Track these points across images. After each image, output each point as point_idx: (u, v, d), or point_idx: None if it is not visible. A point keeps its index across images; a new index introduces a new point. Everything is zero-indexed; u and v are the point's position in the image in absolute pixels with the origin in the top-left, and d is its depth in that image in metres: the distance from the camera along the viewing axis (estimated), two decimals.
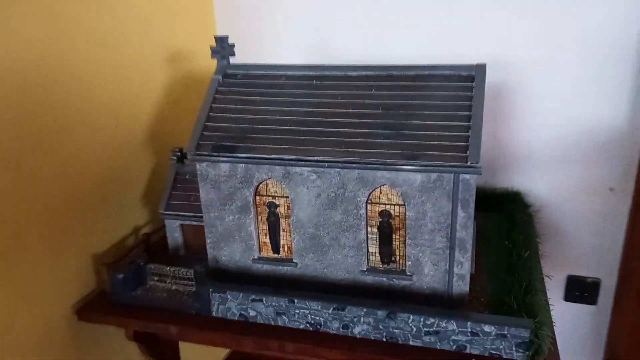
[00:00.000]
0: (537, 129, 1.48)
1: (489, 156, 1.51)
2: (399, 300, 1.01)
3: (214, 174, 1.06)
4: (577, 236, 1.54)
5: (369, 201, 1.01)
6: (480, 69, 1.01)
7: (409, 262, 1.01)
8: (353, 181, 0.99)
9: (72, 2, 1.09)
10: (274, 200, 1.06)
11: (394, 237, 1.02)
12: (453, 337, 0.94)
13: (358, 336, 0.99)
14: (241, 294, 1.03)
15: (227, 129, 1.06)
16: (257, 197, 1.07)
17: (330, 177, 1.00)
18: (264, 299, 1.02)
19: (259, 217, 1.09)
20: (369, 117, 1.01)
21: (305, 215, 1.04)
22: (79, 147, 1.13)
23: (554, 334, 0.96)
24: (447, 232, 0.98)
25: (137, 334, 1.15)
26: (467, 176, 0.93)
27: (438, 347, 0.95)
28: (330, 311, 0.99)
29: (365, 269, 1.04)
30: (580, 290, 1.58)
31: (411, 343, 0.97)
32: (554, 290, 1.57)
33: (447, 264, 0.99)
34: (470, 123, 0.95)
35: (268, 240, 1.10)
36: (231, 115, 1.07)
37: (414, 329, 0.95)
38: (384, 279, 1.04)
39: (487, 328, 0.91)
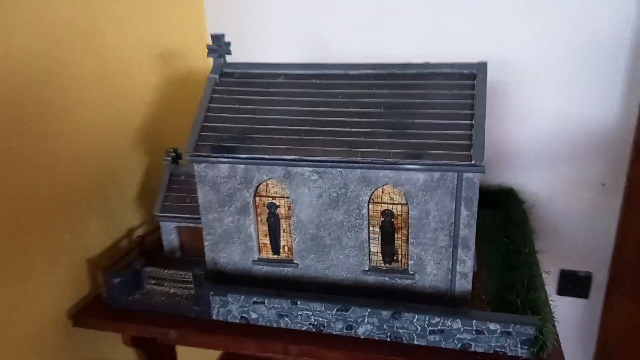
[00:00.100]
0: (529, 126, 1.49)
1: None
2: (401, 299, 1.01)
3: (213, 175, 1.04)
4: (570, 231, 1.56)
5: (371, 201, 1.00)
6: (482, 67, 1.01)
7: (412, 261, 1.01)
8: (355, 181, 0.98)
9: (61, 1, 1.05)
10: (274, 201, 1.05)
11: (396, 236, 1.02)
12: (458, 336, 0.94)
13: (362, 337, 0.99)
14: (242, 297, 1.02)
15: (226, 129, 1.04)
16: (257, 198, 1.05)
17: (332, 177, 0.99)
18: (266, 301, 1.01)
19: (259, 218, 1.07)
20: (371, 116, 1.00)
21: (306, 216, 1.03)
22: (70, 148, 1.10)
23: (556, 330, 0.96)
24: (450, 230, 0.97)
25: (134, 339, 1.12)
26: (471, 175, 0.93)
27: (443, 346, 0.95)
28: (333, 312, 0.98)
29: (367, 269, 1.04)
30: (573, 284, 1.60)
31: (416, 342, 0.96)
32: (547, 285, 1.58)
33: (450, 262, 0.99)
34: (473, 122, 0.95)
35: (268, 242, 1.08)
36: (229, 115, 1.05)
37: (419, 329, 0.95)
38: (386, 278, 1.03)
39: (492, 326, 0.92)
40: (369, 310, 0.96)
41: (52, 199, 1.06)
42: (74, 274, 1.14)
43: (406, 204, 0.98)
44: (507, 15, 1.41)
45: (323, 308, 0.98)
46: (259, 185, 1.04)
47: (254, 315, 1.03)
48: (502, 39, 1.43)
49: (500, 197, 1.47)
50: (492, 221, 1.37)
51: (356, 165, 0.96)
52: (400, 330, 0.96)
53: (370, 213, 1.01)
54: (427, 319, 0.94)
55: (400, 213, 1.00)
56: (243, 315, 1.03)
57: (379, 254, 1.04)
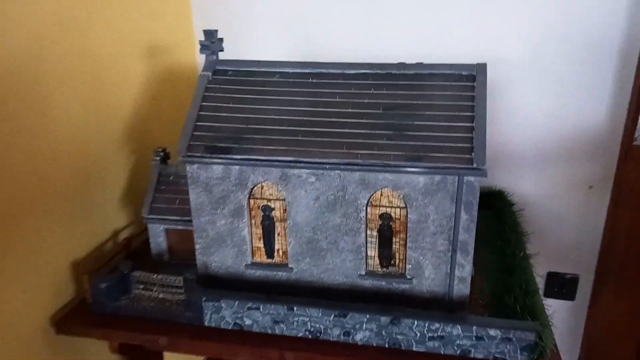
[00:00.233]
0: (518, 127, 1.49)
1: None
2: (398, 304, 0.99)
3: (206, 176, 1.01)
4: (557, 233, 1.57)
5: (370, 204, 0.98)
6: (481, 68, 0.99)
7: (409, 266, 0.99)
8: (354, 183, 0.96)
9: None
10: (269, 204, 1.02)
11: (394, 240, 1.00)
12: (457, 342, 0.93)
13: (360, 343, 0.97)
14: (236, 303, 0.99)
15: (220, 129, 1.00)
16: (252, 200, 1.02)
17: (330, 179, 0.96)
18: (261, 307, 0.98)
19: (253, 221, 1.04)
20: (370, 117, 0.98)
21: (302, 219, 1.00)
22: (53, 146, 1.06)
23: (553, 335, 0.96)
24: (449, 234, 0.96)
25: (122, 347, 1.08)
26: (472, 178, 0.91)
27: (442, 352, 0.94)
28: (331, 318, 0.96)
29: (364, 273, 1.02)
30: (560, 286, 1.61)
31: (414, 349, 0.95)
32: None
33: (448, 267, 0.98)
34: (474, 124, 0.94)
35: (262, 245, 1.05)
36: (223, 114, 1.02)
37: (418, 335, 0.94)
38: (383, 282, 1.01)
39: (492, 332, 0.91)
40: (367, 316, 0.94)
41: (34, 199, 1.01)
42: (58, 278, 1.09)
43: (405, 207, 0.97)
44: (498, 16, 1.41)
45: (320, 314, 0.96)
46: (254, 187, 1.01)
47: (248, 322, 1.00)
48: (492, 39, 1.43)
49: (490, 200, 1.47)
50: (484, 224, 1.36)
51: (355, 167, 0.94)
52: (399, 337, 0.94)
53: (369, 216, 0.99)
54: (426, 324, 0.93)
55: (398, 216, 0.98)
56: (237, 321, 1.00)
57: (376, 258, 1.02)
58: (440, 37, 1.45)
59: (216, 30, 1.07)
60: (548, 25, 1.39)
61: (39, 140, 1.02)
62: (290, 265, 1.04)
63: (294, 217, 1.00)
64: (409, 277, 1.00)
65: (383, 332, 0.95)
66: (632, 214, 1.47)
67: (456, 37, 1.44)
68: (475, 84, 0.98)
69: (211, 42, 1.07)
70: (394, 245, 1.00)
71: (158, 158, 1.19)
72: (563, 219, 1.55)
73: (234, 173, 0.99)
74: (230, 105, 1.03)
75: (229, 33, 1.16)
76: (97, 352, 1.17)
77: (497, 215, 1.39)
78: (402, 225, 0.99)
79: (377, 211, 0.99)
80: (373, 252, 1.01)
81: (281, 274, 1.05)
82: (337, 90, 1.02)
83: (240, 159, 0.98)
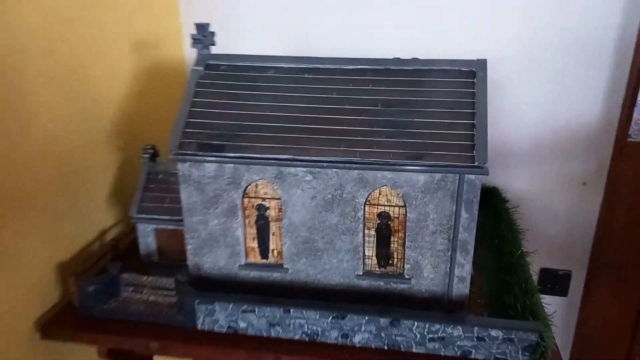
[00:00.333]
0: (512, 124, 1.48)
1: None
2: (396, 304, 0.97)
3: (198, 174, 0.97)
4: (551, 229, 1.56)
5: (368, 202, 0.95)
6: (481, 64, 0.97)
7: (408, 265, 0.97)
8: (352, 182, 0.93)
9: None
10: (263, 203, 0.99)
11: (392, 239, 0.98)
12: (458, 343, 0.91)
13: (358, 345, 0.94)
14: (231, 305, 0.96)
15: (213, 126, 0.97)
16: (245, 200, 0.99)
17: (328, 177, 0.93)
18: (256, 309, 0.95)
19: (247, 221, 1.01)
20: (368, 114, 0.95)
21: (298, 218, 0.97)
22: (36, 144, 1.01)
23: (553, 335, 0.95)
24: (449, 233, 0.94)
25: (111, 352, 1.04)
26: (473, 177, 0.90)
27: (442, 354, 0.92)
28: (328, 320, 0.93)
29: (361, 274, 0.99)
30: (552, 282, 1.61)
31: (414, 350, 0.93)
32: None
33: (448, 266, 0.96)
34: (474, 121, 0.92)
35: (256, 245, 1.02)
36: (216, 110, 0.98)
37: (418, 336, 0.91)
38: (381, 283, 0.99)
39: (494, 333, 0.89)
40: (366, 317, 0.92)
41: (16, 199, 0.97)
42: (42, 280, 1.05)
43: (404, 206, 0.94)
44: (492, 13, 1.39)
45: (317, 316, 0.93)
46: (248, 185, 0.97)
47: (242, 325, 0.97)
48: (486, 36, 1.41)
49: (486, 197, 1.45)
50: (479, 221, 1.34)
51: (354, 165, 0.91)
52: (399, 338, 0.92)
53: (366, 215, 0.96)
54: (427, 326, 0.91)
55: (397, 215, 0.96)
56: (231, 324, 0.97)
57: (374, 258, 0.99)
58: (435, 34, 1.43)
59: (208, 24, 1.03)
60: (542, 23, 1.38)
61: (21, 138, 0.97)
62: (285, 266, 1.01)
63: (290, 216, 0.97)
64: (407, 277, 0.98)
65: (382, 334, 0.93)
66: (625, 210, 1.47)
67: (451, 34, 1.42)
68: (475, 80, 0.96)
69: (203, 35, 1.03)
70: (392, 245, 0.98)
71: (147, 155, 1.15)
72: (556, 215, 1.55)
73: (228, 171, 0.96)
74: (224, 101, 0.99)
75: (217, 27, 1.12)
76: (85, 357, 1.12)
77: (492, 212, 1.37)
78: (400, 225, 0.96)
79: (375, 210, 0.96)
80: (371, 252, 0.99)
81: (276, 275, 1.02)
82: (334, 86, 0.99)
83: (234, 157, 0.94)
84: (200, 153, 0.94)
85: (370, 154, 0.91)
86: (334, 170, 0.92)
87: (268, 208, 0.99)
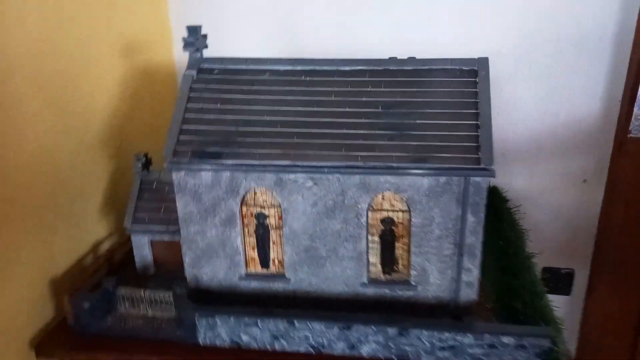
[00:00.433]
0: (512, 122, 1.46)
1: None
2: (403, 311, 0.95)
3: (194, 183, 0.94)
4: (552, 228, 1.54)
5: (371, 208, 0.92)
6: (483, 62, 0.95)
7: (414, 272, 0.94)
8: (354, 187, 0.90)
9: None
10: (263, 211, 0.96)
11: (396, 245, 0.95)
12: (469, 351, 0.88)
13: (366, 356, 0.91)
14: (232, 318, 0.92)
15: (208, 132, 0.93)
16: (244, 208, 0.96)
17: (329, 183, 0.90)
18: (259, 322, 0.92)
19: (246, 230, 0.97)
20: (369, 117, 0.92)
21: (299, 226, 0.94)
22: (24, 155, 0.97)
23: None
24: (455, 238, 0.91)
25: None
26: (479, 179, 0.87)
27: None
28: (334, 331, 0.90)
29: (366, 281, 0.96)
30: (555, 281, 1.58)
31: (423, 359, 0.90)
32: None
33: (455, 271, 0.93)
34: (479, 122, 0.89)
35: (256, 255, 0.99)
36: (211, 116, 0.95)
37: (428, 345, 0.89)
38: (387, 290, 0.96)
39: (505, 340, 0.86)
40: (373, 327, 0.89)
41: (4, 212, 0.92)
42: (35, 296, 1.00)
43: (408, 210, 0.91)
44: (490, 9, 1.37)
45: (323, 327, 0.90)
46: (246, 193, 0.94)
47: (245, 338, 0.93)
48: (484, 34, 1.39)
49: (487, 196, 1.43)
50: None
51: (356, 170, 0.88)
52: (408, 348, 0.89)
53: (370, 221, 0.93)
54: (436, 334, 0.88)
55: (401, 221, 0.93)
56: (233, 338, 0.93)
57: (378, 265, 0.97)
58: (429, 32, 1.40)
59: (200, 26, 0.99)
60: (540, 19, 1.35)
61: (7, 147, 0.93)
62: (287, 276, 0.98)
63: (291, 224, 0.94)
64: (413, 283, 0.95)
65: (390, 344, 0.90)
66: (626, 206, 1.46)
67: (446, 32, 1.39)
68: (477, 79, 0.94)
69: (195, 38, 0.99)
70: (396, 251, 0.95)
71: (140, 164, 1.11)
72: (557, 213, 1.53)
73: (225, 179, 0.93)
74: (218, 106, 0.96)
75: (207, 29, 1.09)
76: None
77: (493, 212, 1.34)
78: (405, 230, 0.93)
79: (379, 215, 0.93)
80: (375, 258, 0.96)
81: (278, 285, 0.99)
82: (333, 89, 0.96)
83: (231, 164, 0.91)
84: (196, 161, 0.91)
85: (372, 157, 0.88)
86: (335, 175, 0.89)
87: (267, 216, 0.96)
